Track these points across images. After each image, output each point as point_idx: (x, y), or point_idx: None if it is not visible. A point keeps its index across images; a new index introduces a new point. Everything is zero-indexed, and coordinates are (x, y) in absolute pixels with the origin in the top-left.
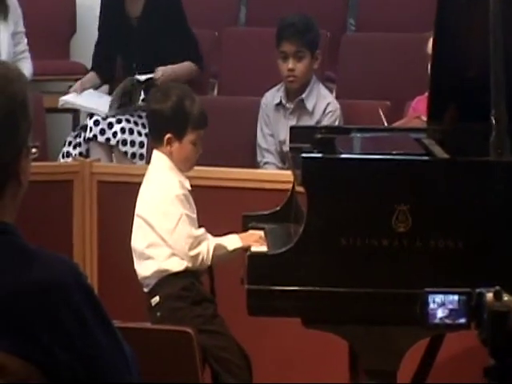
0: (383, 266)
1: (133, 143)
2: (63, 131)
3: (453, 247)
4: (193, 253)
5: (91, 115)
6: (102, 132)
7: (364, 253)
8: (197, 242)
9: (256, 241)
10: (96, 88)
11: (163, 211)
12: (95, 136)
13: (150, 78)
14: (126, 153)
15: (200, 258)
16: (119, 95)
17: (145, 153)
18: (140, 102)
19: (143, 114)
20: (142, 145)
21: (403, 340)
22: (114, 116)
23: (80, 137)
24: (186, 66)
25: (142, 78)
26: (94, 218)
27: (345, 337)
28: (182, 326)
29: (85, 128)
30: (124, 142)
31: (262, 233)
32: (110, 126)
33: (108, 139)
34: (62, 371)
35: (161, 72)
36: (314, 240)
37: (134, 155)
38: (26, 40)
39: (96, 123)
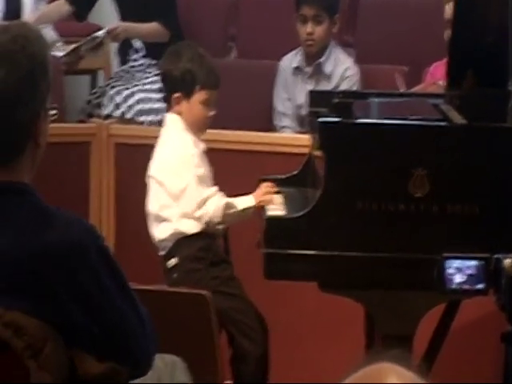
0: (400, 230)
1: (149, 111)
2: (81, 93)
3: (470, 212)
4: (198, 213)
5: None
6: (117, 106)
7: (381, 217)
8: (203, 201)
9: (266, 193)
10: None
11: (175, 171)
12: (123, 114)
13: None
14: (143, 123)
15: (206, 217)
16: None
17: (162, 119)
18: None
19: (156, 81)
20: (158, 112)
21: (420, 305)
22: (127, 88)
23: (100, 97)
24: (150, 26)
25: (100, 33)
26: (111, 180)
27: (361, 301)
28: (199, 287)
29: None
30: (140, 112)
31: (279, 197)
32: (125, 99)
33: (123, 113)
34: (79, 332)
35: (120, 28)
36: (332, 204)
37: (151, 123)
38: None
39: (110, 98)
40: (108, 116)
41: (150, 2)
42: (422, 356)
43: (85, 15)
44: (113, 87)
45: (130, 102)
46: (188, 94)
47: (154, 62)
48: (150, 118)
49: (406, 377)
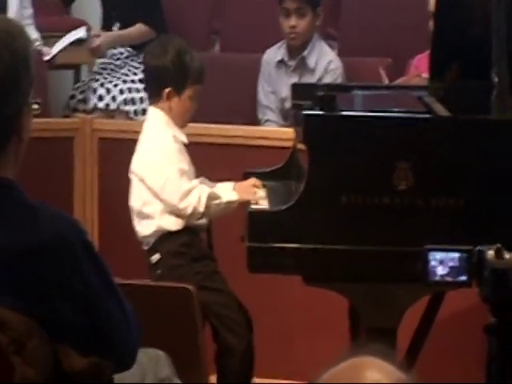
0: (384, 223)
1: (133, 101)
2: (65, 88)
3: (454, 205)
4: (182, 205)
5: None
6: (101, 98)
7: (365, 210)
8: (186, 193)
9: (250, 192)
10: None
11: (155, 167)
12: (95, 105)
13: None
14: (128, 112)
15: (191, 207)
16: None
17: (146, 107)
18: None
19: (137, 71)
20: (142, 100)
21: (404, 297)
22: (110, 81)
23: (84, 92)
24: (135, 29)
25: (83, 33)
26: (94, 174)
27: (345, 294)
28: (182, 282)
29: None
30: (124, 102)
31: (262, 191)
32: (108, 91)
33: (107, 104)
34: (63, 326)
35: (101, 39)
36: (315, 197)
37: (135, 112)
38: (31, 9)
39: (94, 91)
40: (93, 109)
41: (134, 2)
42: (407, 348)
43: (71, 1)
44: (96, 80)
45: (113, 93)
46: (180, 89)
47: (133, 51)
48: (134, 107)
49: (386, 370)
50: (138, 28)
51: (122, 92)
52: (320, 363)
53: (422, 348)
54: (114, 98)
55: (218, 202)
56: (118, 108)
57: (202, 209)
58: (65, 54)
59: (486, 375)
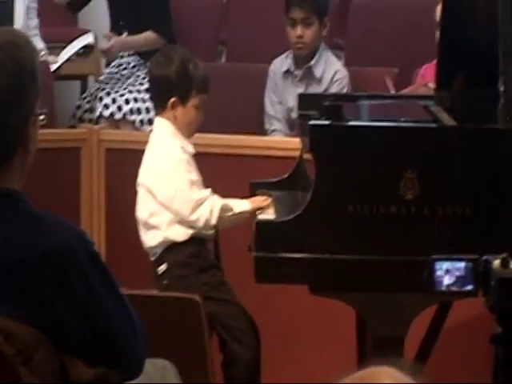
0: (391, 233)
1: (139, 111)
2: (71, 98)
3: (460, 214)
4: (194, 216)
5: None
6: (106, 107)
7: (371, 220)
8: (198, 204)
9: (263, 202)
10: None
11: (164, 178)
12: (100, 113)
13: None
14: (133, 122)
15: (203, 219)
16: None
17: (153, 117)
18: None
19: (144, 81)
20: (148, 110)
21: (411, 307)
22: (116, 91)
23: (91, 102)
24: (145, 36)
25: (89, 40)
26: (101, 185)
27: (352, 304)
28: (189, 293)
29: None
30: (130, 111)
31: (269, 201)
32: (114, 101)
33: (112, 113)
34: (70, 337)
35: (116, 45)
36: (322, 207)
37: (142, 122)
38: (37, 19)
39: (100, 99)
40: (99, 117)
41: (143, 11)
42: (414, 358)
43: (79, 8)
44: (103, 89)
45: (119, 102)
46: (184, 99)
47: (140, 60)
48: (140, 117)
49: (399, 378)
50: (147, 35)
51: (127, 102)
52: (326, 373)
53: (429, 357)
54: (119, 108)
55: (230, 213)
56: (123, 117)
57: (214, 221)
58: (71, 65)
59: None
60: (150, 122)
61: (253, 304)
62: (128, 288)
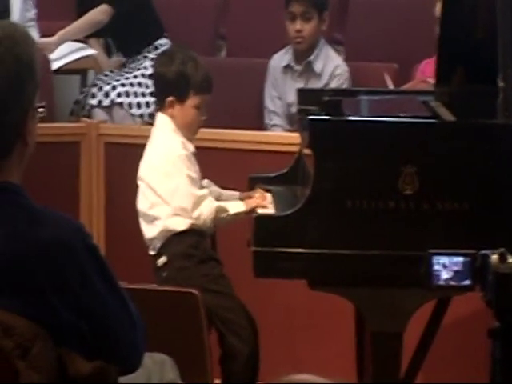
0: (390, 228)
1: (139, 105)
2: (71, 93)
3: (459, 209)
4: (195, 214)
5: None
6: (106, 95)
7: (370, 215)
8: (198, 202)
9: (259, 202)
10: None
11: (164, 172)
12: (100, 102)
13: None
14: (121, 104)
15: (202, 218)
16: None
17: (153, 111)
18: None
19: (132, 70)
20: (148, 105)
21: (409, 302)
22: (117, 80)
23: (86, 98)
24: (87, 16)
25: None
26: (100, 179)
27: (351, 299)
28: (189, 285)
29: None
30: (118, 95)
31: (268, 195)
32: (114, 88)
33: (100, 101)
34: (68, 331)
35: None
36: (321, 202)
37: (141, 116)
38: (34, 10)
39: (100, 89)
40: (89, 110)
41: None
42: (413, 353)
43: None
44: (95, 85)
45: (106, 89)
46: (182, 99)
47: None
48: (140, 111)
49: None
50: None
51: (114, 88)
52: (325, 367)
53: (428, 352)
54: (106, 94)
55: (225, 215)
56: (112, 103)
57: (210, 222)
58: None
59: (489, 379)
60: (150, 116)
61: (251, 299)
62: (127, 282)
